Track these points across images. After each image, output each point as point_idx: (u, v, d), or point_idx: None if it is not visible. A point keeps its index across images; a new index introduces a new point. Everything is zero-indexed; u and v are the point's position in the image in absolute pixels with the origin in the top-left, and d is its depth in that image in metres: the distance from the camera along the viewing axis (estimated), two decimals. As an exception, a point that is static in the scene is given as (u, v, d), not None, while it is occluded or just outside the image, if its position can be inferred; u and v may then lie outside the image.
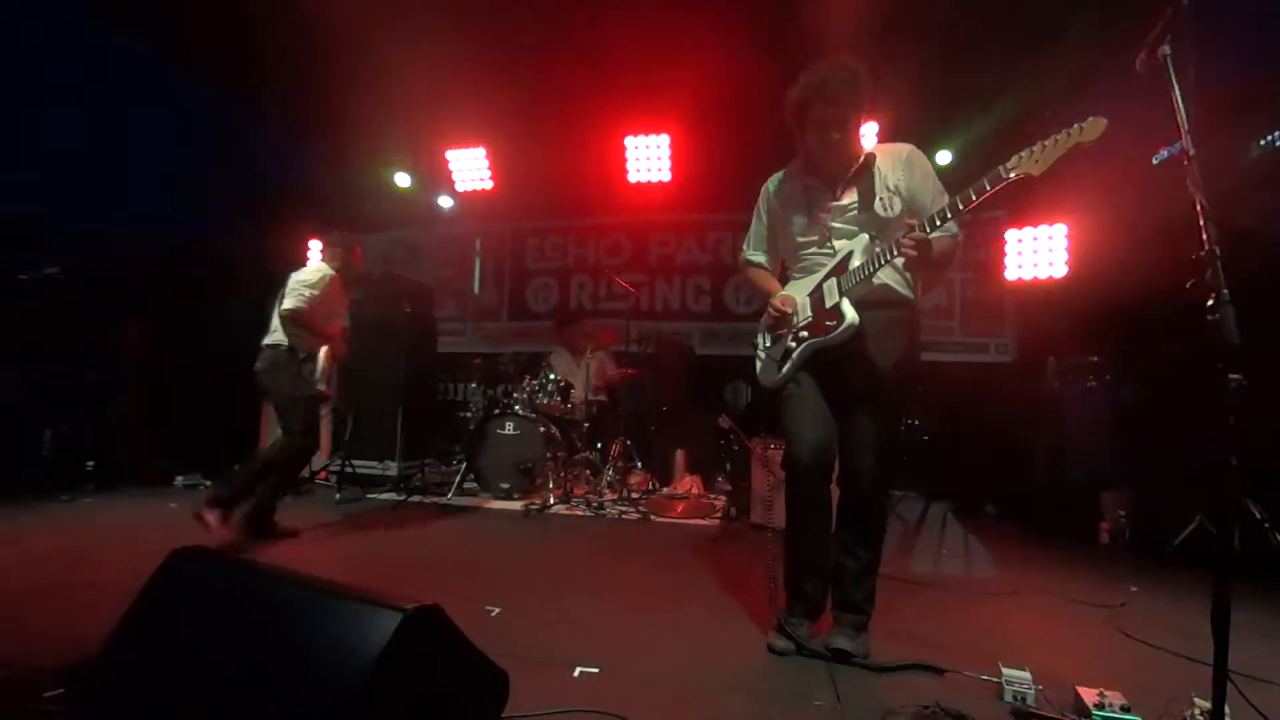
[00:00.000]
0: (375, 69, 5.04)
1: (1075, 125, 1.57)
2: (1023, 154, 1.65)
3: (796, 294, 2.10)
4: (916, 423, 5.19)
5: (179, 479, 4.72)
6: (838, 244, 2.02)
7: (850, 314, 1.91)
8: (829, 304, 1.98)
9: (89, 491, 4.30)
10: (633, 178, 5.88)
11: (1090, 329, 4.52)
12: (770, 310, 2.12)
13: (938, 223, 1.78)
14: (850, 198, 2.02)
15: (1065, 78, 4.36)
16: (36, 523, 3.46)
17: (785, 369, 2.07)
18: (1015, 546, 3.70)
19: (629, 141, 5.77)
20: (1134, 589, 2.81)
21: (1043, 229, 5.22)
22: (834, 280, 1.98)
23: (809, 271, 2.10)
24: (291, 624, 1.05)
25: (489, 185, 6.27)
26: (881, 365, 1.97)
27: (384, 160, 6.54)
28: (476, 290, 7.35)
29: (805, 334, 2.02)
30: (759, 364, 2.23)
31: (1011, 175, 1.66)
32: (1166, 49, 1.65)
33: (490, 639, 1.22)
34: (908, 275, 2.04)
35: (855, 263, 1.94)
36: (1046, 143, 1.61)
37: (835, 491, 2.10)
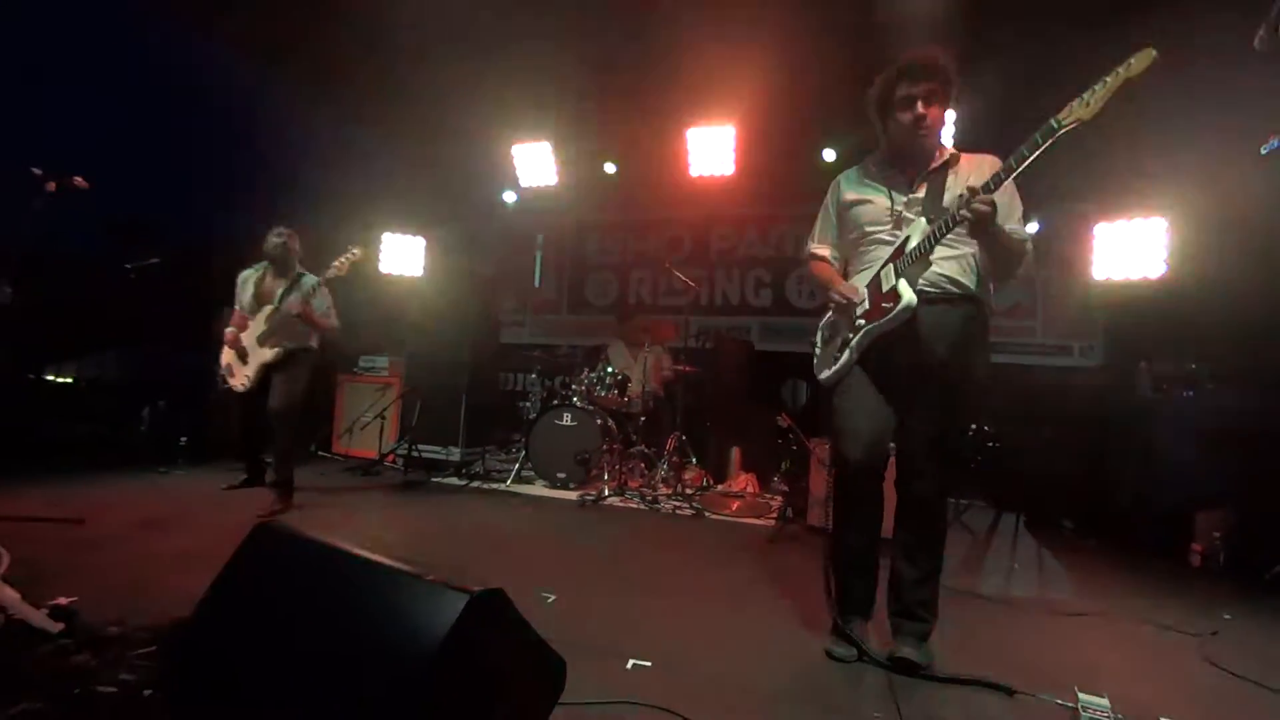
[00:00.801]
0: (445, 68, 5.19)
1: (1125, 62, 1.52)
2: (1073, 103, 1.60)
3: (857, 285, 2.05)
4: (987, 428, 4.94)
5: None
6: (900, 232, 1.97)
7: (908, 294, 1.85)
8: (886, 288, 1.92)
9: (181, 465, 4.64)
10: (695, 171, 5.82)
11: (1189, 333, 4.18)
12: (833, 296, 2.07)
13: (992, 187, 1.70)
14: (924, 191, 1.96)
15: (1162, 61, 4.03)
16: (137, 492, 3.76)
17: (843, 359, 2.02)
18: (1095, 565, 3.48)
19: (691, 134, 5.71)
20: (1227, 616, 2.60)
21: (1137, 223, 4.82)
22: (891, 265, 1.94)
23: (870, 264, 2.05)
24: (364, 600, 1.10)
25: (553, 180, 6.35)
26: (943, 361, 1.90)
27: (451, 155, 6.74)
28: (537, 284, 7.48)
29: (862, 321, 1.97)
30: (816, 357, 2.20)
31: (1065, 125, 1.60)
32: (1291, 25, 1.50)
33: (545, 625, 1.24)
34: (975, 269, 1.95)
35: (911, 244, 1.89)
36: (1096, 87, 1.56)
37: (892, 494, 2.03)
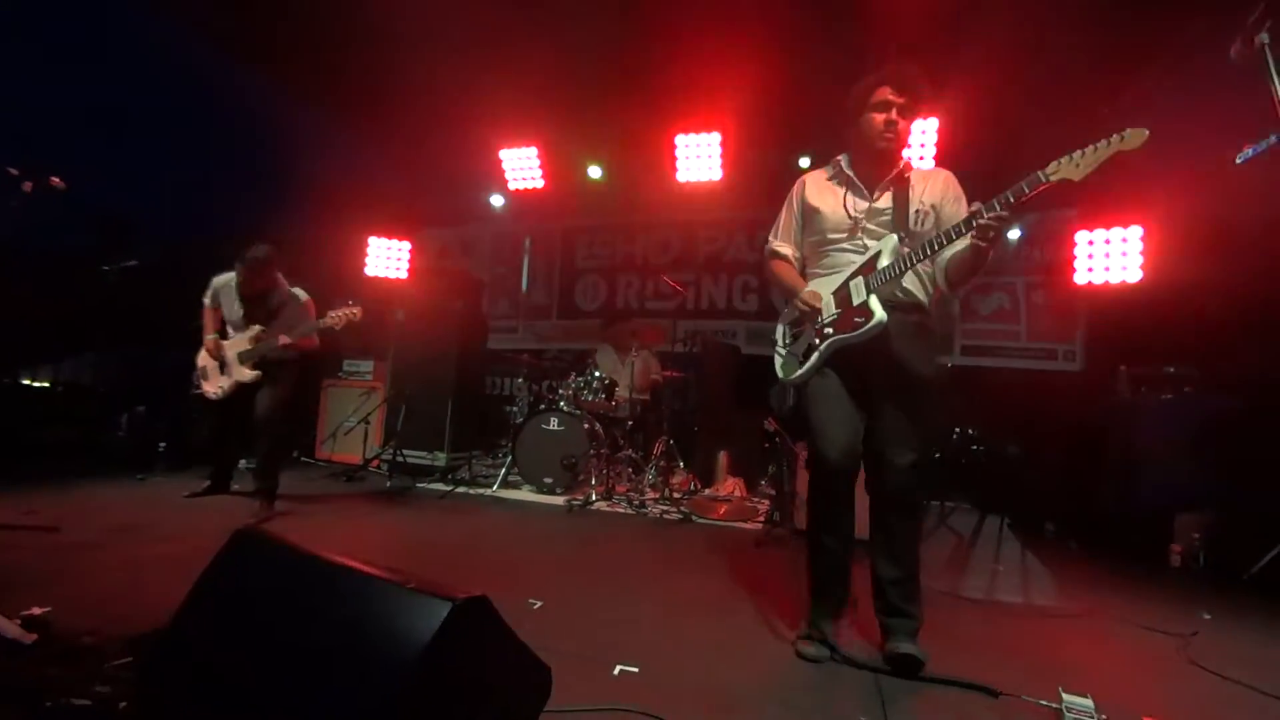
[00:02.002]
0: (432, 70, 5.17)
1: (1116, 135, 1.58)
2: (1063, 159, 1.67)
3: (821, 290, 2.09)
4: (971, 431, 4.99)
5: (242, 463, 4.96)
6: (869, 243, 2.04)
7: (879, 312, 1.92)
8: (856, 301, 1.98)
9: (160, 472, 4.54)
10: (682, 176, 5.85)
11: (1167, 338, 4.26)
12: (798, 304, 2.10)
13: (984, 216, 1.75)
14: (885, 203, 2.05)
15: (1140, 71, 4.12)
16: (114, 499, 3.68)
17: (808, 365, 2.07)
18: (1077, 567, 3.52)
19: (679, 140, 5.74)
20: (1207, 616, 2.64)
21: (1116, 231, 4.93)
22: (861, 279, 1.99)
23: (833, 269, 2.10)
24: (345, 608, 1.08)
25: (540, 184, 6.35)
26: (908, 366, 2.00)
27: (439, 158, 6.72)
28: (524, 288, 7.46)
29: (830, 331, 2.02)
30: (779, 360, 2.23)
31: (1051, 179, 1.68)
32: (1265, 37, 1.55)
33: (532, 632, 1.23)
34: (927, 283, 2.07)
35: (884, 262, 1.96)
36: (1087, 149, 1.63)
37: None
